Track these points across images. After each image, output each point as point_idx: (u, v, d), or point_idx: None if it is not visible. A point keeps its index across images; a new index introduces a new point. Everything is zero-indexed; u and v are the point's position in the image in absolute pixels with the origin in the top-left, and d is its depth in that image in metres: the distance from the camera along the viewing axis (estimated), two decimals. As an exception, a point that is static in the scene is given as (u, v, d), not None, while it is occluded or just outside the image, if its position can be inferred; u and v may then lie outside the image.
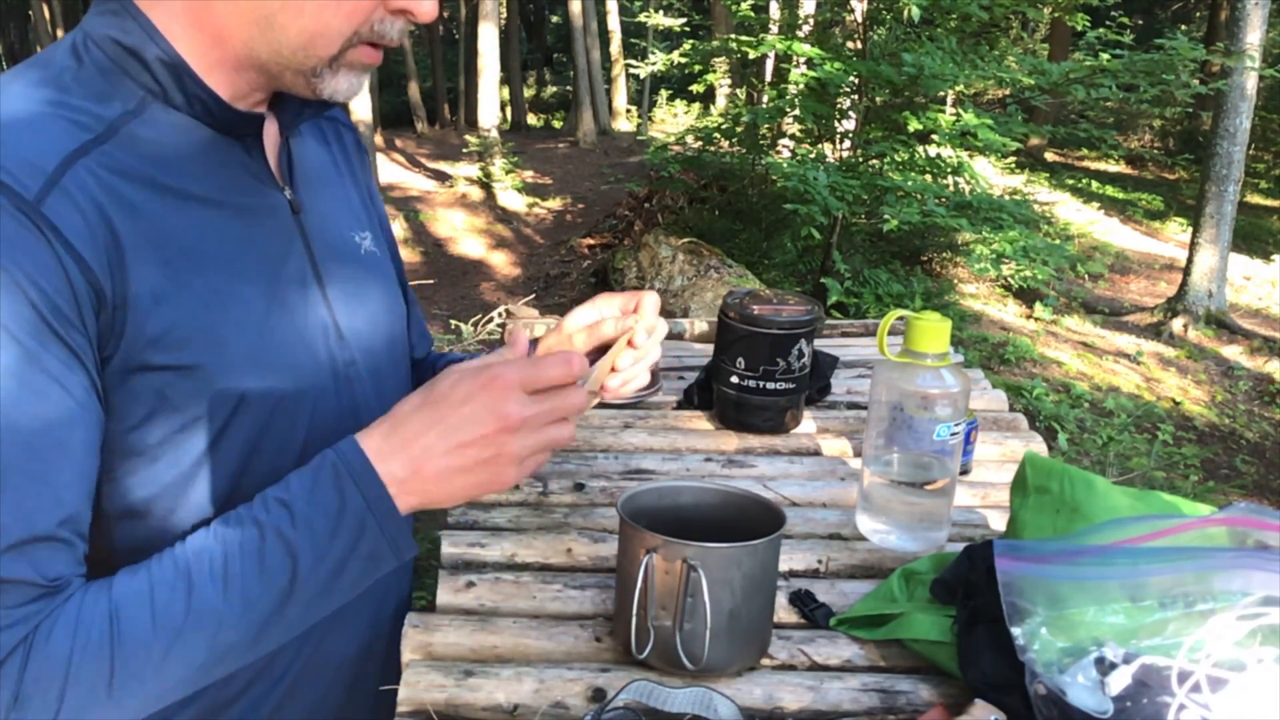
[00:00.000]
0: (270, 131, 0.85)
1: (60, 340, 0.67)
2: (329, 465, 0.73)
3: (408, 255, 9.48)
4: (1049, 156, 14.74)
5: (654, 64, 8.87)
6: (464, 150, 12.58)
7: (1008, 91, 6.85)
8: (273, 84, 0.80)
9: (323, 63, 0.76)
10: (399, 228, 10.02)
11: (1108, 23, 6.36)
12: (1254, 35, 7.03)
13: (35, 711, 0.65)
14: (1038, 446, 1.40)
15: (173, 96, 0.76)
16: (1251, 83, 7.20)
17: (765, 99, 7.48)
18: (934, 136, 5.77)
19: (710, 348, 1.57)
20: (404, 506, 0.74)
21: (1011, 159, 11.55)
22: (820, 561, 1.10)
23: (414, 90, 17.42)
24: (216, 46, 0.76)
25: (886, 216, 5.33)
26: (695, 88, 8.42)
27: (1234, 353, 7.15)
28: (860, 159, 6.21)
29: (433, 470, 0.73)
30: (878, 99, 6.25)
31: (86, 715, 0.66)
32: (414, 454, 0.73)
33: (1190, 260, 7.64)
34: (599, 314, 0.91)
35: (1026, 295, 7.74)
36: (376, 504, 0.72)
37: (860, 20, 6.16)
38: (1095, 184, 13.46)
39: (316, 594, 0.73)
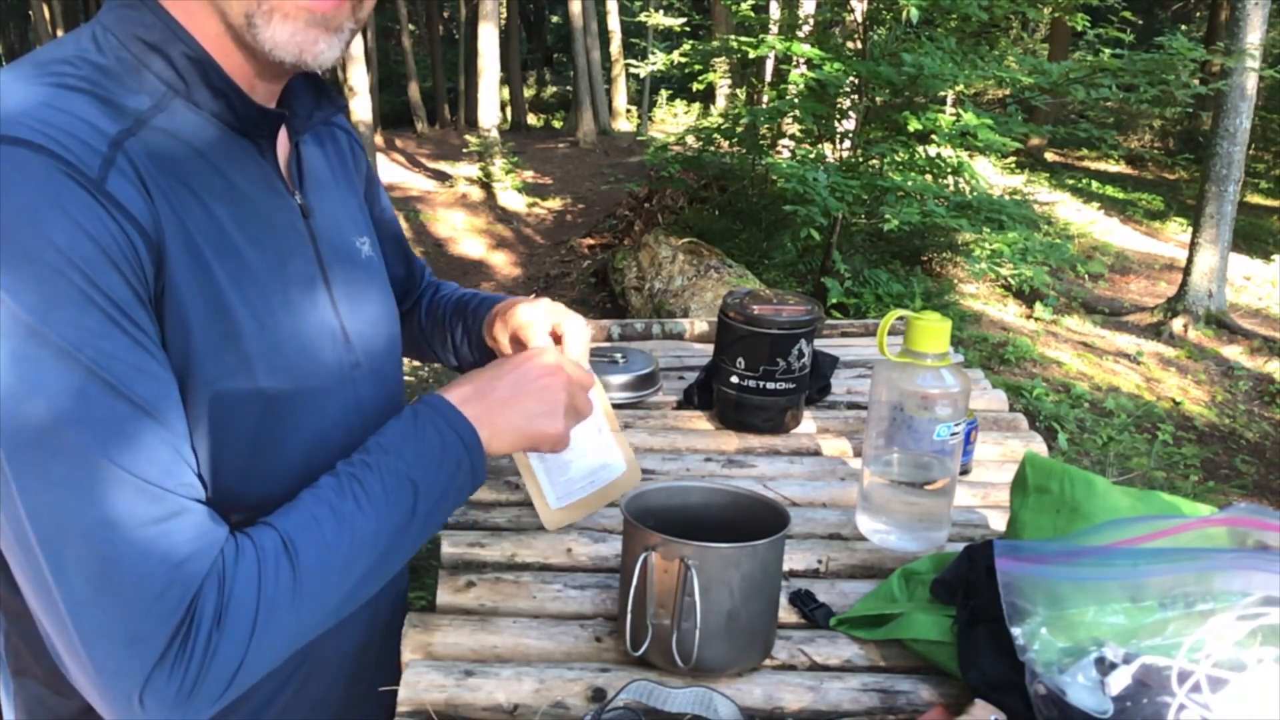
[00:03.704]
0: (280, 137, 0.86)
1: (144, 304, 0.69)
2: (425, 415, 0.83)
3: (408, 255, 9.47)
4: (1049, 156, 14.74)
5: (654, 64, 8.87)
6: (464, 150, 12.58)
7: (1008, 91, 6.84)
8: (263, 70, 0.80)
9: (253, 6, 0.74)
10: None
11: (1109, 20, 6.35)
12: (1254, 35, 7.02)
13: (234, 630, 0.69)
14: (1038, 446, 1.40)
15: (196, 93, 0.76)
16: (1251, 83, 7.19)
17: (765, 99, 7.48)
18: (934, 136, 5.77)
19: (710, 348, 1.57)
20: (482, 438, 0.84)
21: (1011, 159, 11.55)
22: (820, 561, 1.10)
23: (414, 90, 17.42)
24: (209, 33, 0.76)
25: (887, 216, 5.33)
26: (695, 87, 8.41)
27: (1234, 353, 7.15)
28: (860, 159, 6.20)
29: (499, 401, 0.86)
30: (878, 99, 6.24)
31: (277, 630, 0.72)
32: (485, 392, 0.86)
33: (1190, 260, 7.63)
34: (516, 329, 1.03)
35: (1026, 295, 7.73)
36: (468, 439, 0.83)
37: (860, 20, 6.15)
38: (1095, 184, 13.45)
39: (425, 521, 0.82)
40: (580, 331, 1.01)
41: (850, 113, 6.41)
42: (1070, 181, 13.18)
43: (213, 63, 0.76)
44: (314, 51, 0.77)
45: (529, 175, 12.52)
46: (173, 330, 0.72)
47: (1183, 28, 14.90)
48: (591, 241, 9.23)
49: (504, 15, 17.64)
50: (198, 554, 0.68)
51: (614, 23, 17.34)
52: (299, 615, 0.73)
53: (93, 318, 0.65)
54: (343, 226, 0.93)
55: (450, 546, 1.09)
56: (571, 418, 0.90)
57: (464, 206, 11.18)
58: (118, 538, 0.65)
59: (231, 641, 0.68)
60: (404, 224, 10.12)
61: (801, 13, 7.63)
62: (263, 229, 0.81)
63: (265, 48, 0.76)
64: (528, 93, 22.81)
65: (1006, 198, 6.44)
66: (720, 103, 12.50)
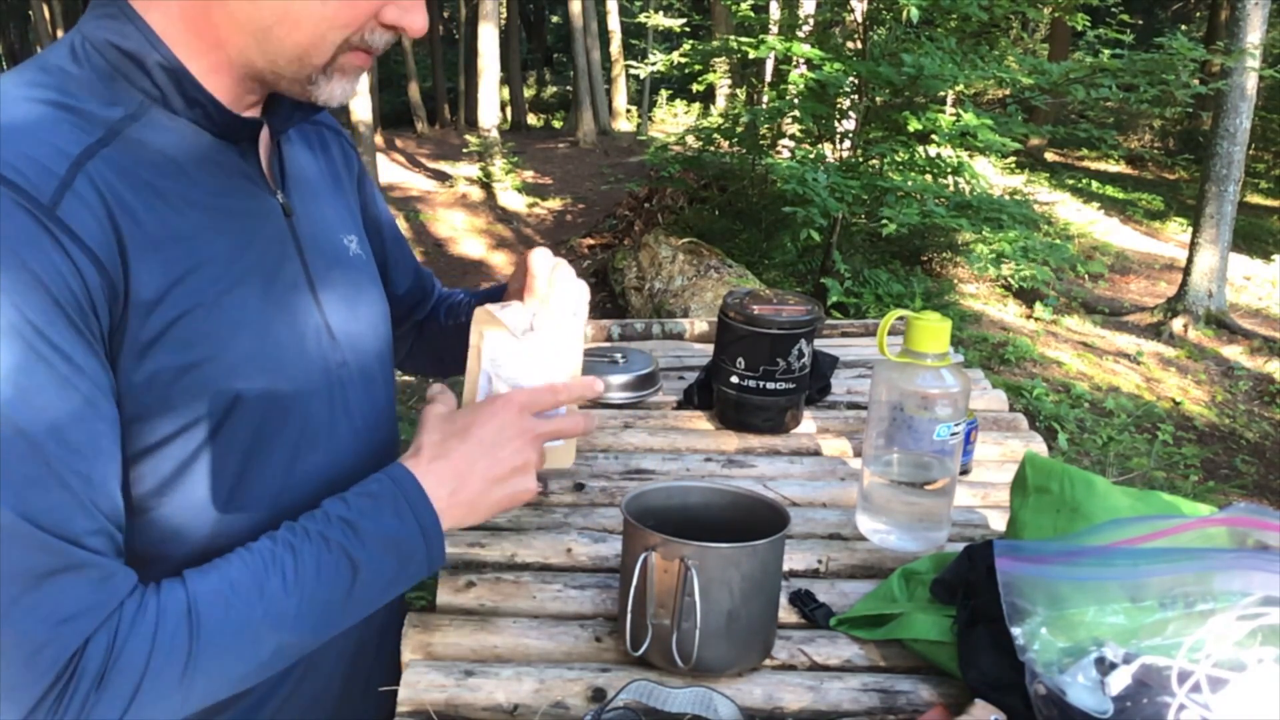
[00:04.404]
0: (262, 136, 0.86)
1: (84, 337, 0.68)
2: (388, 489, 0.80)
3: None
4: (1049, 156, 14.74)
5: (654, 64, 8.87)
6: (464, 150, 12.58)
7: (1008, 91, 6.85)
8: (268, 89, 0.81)
9: (317, 70, 0.78)
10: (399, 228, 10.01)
11: (1108, 20, 6.36)
12: (1254, 35, 7.02)
13: (114, 693, 0.67)
14: (1038, 446, 1.40)
15: (172, 101, 0.76)
16: (1251, 83, 7.19)
17: (765, 99, 7.49)
18: (934, 136, 5.77)
19: (710, 348, 1.57)
20: (447, 523, 0.82)
21: (1011, 159, 11.55)
22: (820, 561, 1.10)
23: (414, 90, 17.42)
24: (213, 51, 0.76)
25: (885, 220, 5.32)
26: (695, 87, 8.42)
27: (1234, 353, 7.14)
28: (860, 159, 6.21)
29: (476, 482, 0.83)
30: (878, 99, 6.25)
31: (158, 701, 0.69)
32: (460, 470, 0.82)
33: (1190, 260, 7.63)
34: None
35: (1026, 295, 7.73)
36: (429, 529, 0.80)
37: (860, 20, 6.16)
38: (1095, 184, 13.45)
39: (365, 603, 0.80)
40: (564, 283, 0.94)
41: (850, 113, 6.41)
42: (1070, 181, 13.18)
43: (187, 74, 0.76)
44: (351, 96, 0.83)
45: (529, 175, 12.52)
46: (146, 350, 0.72)
47: (1183, 28, 14.90)
48: (591, 241, 9.23)
49: (504, 15, 17.64)
50: (86, 612, 0.66)
51: (614, 23, 17.33)
52: (189, 687, 0.70)
53: (16, 353, 0.64)
54: (328, 225, 0.93)
55: (450, 547, 1.09)
56: (545, 464, 0.88)
57: (464, 206, 11.18)
58: (3, 590, 0.64)
59: (109, 704, 0.66)
60: (404, 224, 10.19)
61: (801, 13, 7.64)
62: (242, 231, 0.81)
63: (320, 100, 0.80)
64: (528, 93, 22.81)
65: (1006, 198, 6.44)
66: (720, 103, 12.50)
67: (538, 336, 0.89)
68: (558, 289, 0.92)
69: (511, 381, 0.89)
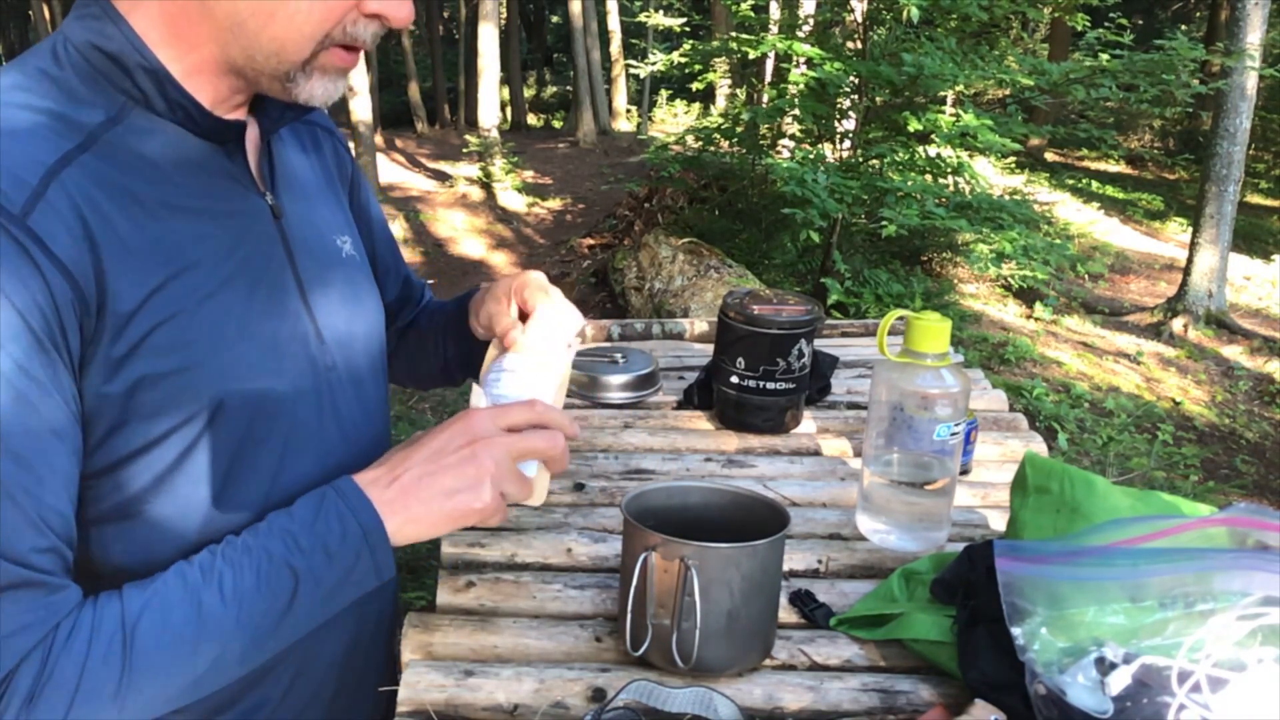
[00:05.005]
0: (251, 135, 0.85)
1: (46, 352, 0.67)
2: (330, 498, 0.78)
3: (408, 255, 9.46)
4: (1049, 156, 14.73)
5: (654, 64, 8.87)
6: (464, 150, 12.58)
7: (1008, 91, 6.85)
8: (251, 88, 0.80)
9: (295, 67, 0.76)
10: (399, 228, 10.01)
11: (1107, 23, 6.36)
12: (1254, 35, 7.02)
13: (46, 712, 0.66)
14: (1038, 446, 1.40)
15: (154, 103, 0.76)
16: (1251, 83, 7.19)
17: (765, 99, 7.49)
18: (934, 137, 5.77)
19: (710, 348, 1.57)
20: (391, 529, 0.78)
21: (1011, 159, 11.55)
22: (820, 561, 1.10)
23: (414, 90, 17.43)
24: (195, 52, 0.76)
25: (884, 222, 5.32)
26: (695, 87, 8.42)
27: (1234, 353, 7.14)
28: (860, 159, 6.21)
29: (412, 481, 0.78)
30: (878, 99, 6.25)
31: (92, 716, 0.67)
32: (398, 472, 0.79)
33: (1190, 260, 7.63)
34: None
35: (1026, 295, 7.73)
36: (372, 532, 0.77)
37: (860, 20, 6.16)
38: (1095, 184, 13.45)
39: (308, 614, 0.77)
40: (549, 315, 0.93)
41: (850, 113, 6.41)
42: (1070, 181, 13.17)
43: (169, 76, 0.75)
44: (335, 96, 0.81)
45: (529, 175, 12.52)
46: (126, 358, 0.71)
47: (1183, 28, 14.89)
48: (591, 241, 9.23)
49: (504, 15, 17.64)
50: (24, 630, 0.66)
51: (614, 23, 17.34)
52: (123, 702, 0.69)
53: None
54: (320, 226, 0.92)
55: (450, 546, 1.09)
56: (512, 483, 0.80)
57: (464, 206, 11.18)
58: None
59: None
60: (404, 224, 10.19)
61: (801, 12, 7.64)
62: (228, 234, 0.80)
63: (300, 99, 0.78)
64: (528, 93, 22.82)
65: (1006, 198, 6.45)
66: (720, 103, 12.50)
67: (529, 353, 0.91)
68: (555, 317, 0.93)
69: (496, 400, 0.89)
